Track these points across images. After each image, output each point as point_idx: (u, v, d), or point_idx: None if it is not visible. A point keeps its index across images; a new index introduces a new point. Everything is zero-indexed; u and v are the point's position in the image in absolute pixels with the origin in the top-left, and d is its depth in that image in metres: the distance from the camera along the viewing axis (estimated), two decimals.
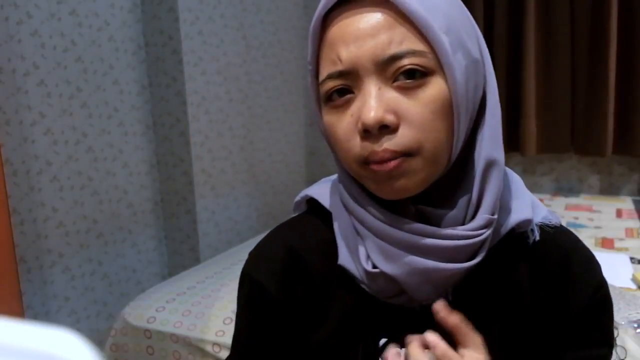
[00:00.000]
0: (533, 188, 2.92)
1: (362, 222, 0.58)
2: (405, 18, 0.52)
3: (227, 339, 1.48)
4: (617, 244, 1.94)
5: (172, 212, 2.40)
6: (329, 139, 0.57)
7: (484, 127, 0.57)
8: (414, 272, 0.55)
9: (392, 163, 0.52)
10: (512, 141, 2.78)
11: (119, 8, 2.15)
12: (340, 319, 0.62)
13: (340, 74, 0.53)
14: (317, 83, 0.57)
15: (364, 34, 0.52)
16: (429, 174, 0.54)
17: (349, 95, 0.54)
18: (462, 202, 0.56)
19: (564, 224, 2.39)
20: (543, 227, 0.62)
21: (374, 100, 0.51)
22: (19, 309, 1.58)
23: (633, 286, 1.55)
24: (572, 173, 2.84)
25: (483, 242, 0.55)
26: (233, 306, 1.57)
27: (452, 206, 0.56)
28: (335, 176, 0.67)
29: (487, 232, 0.55)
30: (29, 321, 0.29)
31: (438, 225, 0.56)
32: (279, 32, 2.86)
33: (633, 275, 1.61)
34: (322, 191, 0.66)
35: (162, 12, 2.22)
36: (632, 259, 1.76)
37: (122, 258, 2.23)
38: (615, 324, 1.31)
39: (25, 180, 1.84)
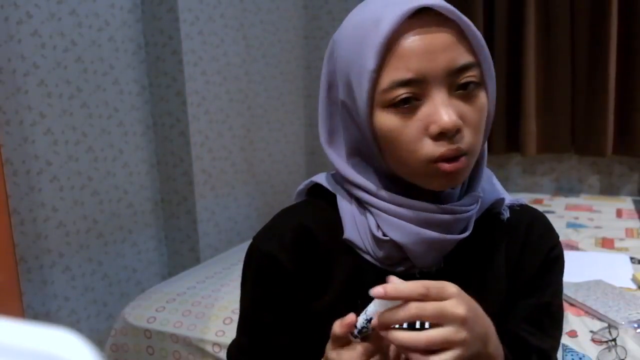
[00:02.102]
0: (533, 188, 2.92)
1: (373, 205, 0.66)
2: (463, 36, 0.61)
3: (227, 339, 1.48)
4: (617, 244, 1.94)
5: (172, 212, 2.40)
6: (388, 140, 0.63)
7: None
8: (421, 241, 0.64)
9: (460, 162, 0.61)
10: (512, 141, 2.78)
11: (119, 8, 2.15)
12: (342, 287, 0.69)
13: (408, 82, 0.59)
14: (374, 90, 0.61)
15: (437, 48, 0.59)
16: (470, 169, 0.64)
17: (415, 102, 0.60)
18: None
19: (563, 224, 2.38)
20: (512, 207, 0.74)
21: (448, 107, 0.59)
22: (19, 309, 1.58)
23: (633, 286, 1.55)
24: (572, 173, 2.84)
25: (471, 216, 0.67)
26: (233, 306, 1.58)
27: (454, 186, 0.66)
28: (333, 172, 0.75)
29: (476, 207, 0.67)
30: (29, 321, 0.29)
31: (440, 200, 0.66)
32: (279, 32, 2.86)
33: (633, 275, 1.61)
34: (325, 178, 0.74)
35: (162, 12, 2.22)
36: (632, 259, 1.76)
37: (122, 258, 2.23)
38: (615, 324, 1.31)
39: (25, 180, 1.84)
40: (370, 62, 0.60)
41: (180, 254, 2.42)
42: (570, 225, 2.20)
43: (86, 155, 2.05)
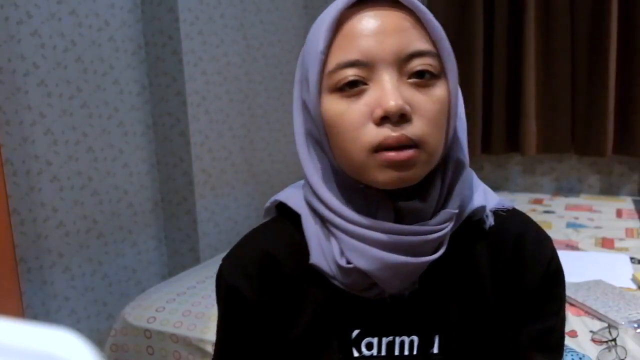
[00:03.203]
0: (533, 188, 2.92)
1: (336, 227, 0.61)
2: (420, 24, 0.57)
3: None
4: (617, 244, 1.94)
5: (172, 212, 2.40)
6: (333, 127, 0.58)
7: (455, 134, 0.63)
8: (386, 267, 0.58)
9: (407, 152, 0.55)
10: (512, 141, 2.78)
11: (119, 8, 2.15)
12: (313, 315, 0.65)
13: (355, 63, 0.56)
14: (323, 73, 0.58)
15: (388, 30, 0.56)
16: (428, 168, 0.58)
17: (362, 86, 0.56)
18: (433, 198, 0.61)
19: (563, 224, 2.36)
20: (497, 213, 0.67)
21: (394, 90, 0.55)
22: (19, 309, 1.58)
23: (633, 286, 1.55)
24: (572, 173, 2.84)
25: (444, 236, 0.60)
26: None
27: (424, 201, 0.60)
28: (302, 182, 0.70)
29: (450, 226, 0.60)
30: (29, 321, 0.29)
31: (410, 218, 0.60)
32: (279, 32, 2.86)
33: (633, 275, 1.61)
34: (291, 195, 0.69)
35: (162, 12, 2.22)
36: (632, 259, 1.76)
37: (122, 258, 2.23)
38: (615, 324, 1.31)
39: (25, 180, 1.84)
40: (320, 43, 0.57)
41: (180, 254, 2.41)
42: (570, 225, 2.20)
43: (86, 155, 2.05)
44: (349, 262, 0.60)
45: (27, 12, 1.81)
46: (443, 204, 0.61)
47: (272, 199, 0.71)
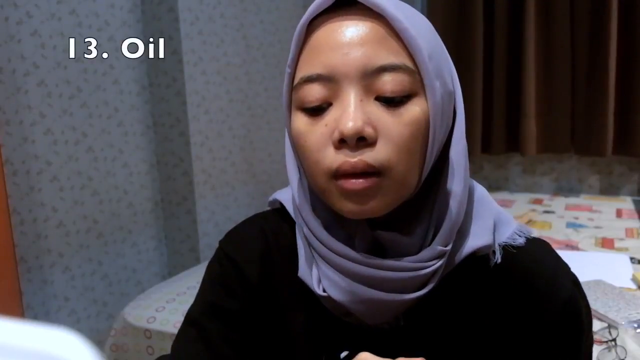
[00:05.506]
0: (533, 188, 2.92)
1: (315, 249, 0.58)
2: (395, 35, 0.51)
3: None
4: (617, 244, 1.94)
5: (172, 212, 2.40)
6: (298, 147, 0.54)
7: (447, 160, 0.56)
8: (360, 301, 0.54)
9: (363, 182, 0.50)
10: (512, 141, 2.78)
11: (119, 8, 2.14)
12: (301, 330, 0.62)
13: (318, 78, 0.51)
14: (292, 87, 0.55)
15: (353, 41, 0.51)
16: (398, 196, 0.53)
17: (325, 105, 0.52)
18: (420, 230, 0.55)
19: (563, 224, 2.34)
20: (507, 247, 0.59)
21: (355, 110, 0.49)
22: (19, 309, 1.58)
23: (633, 286, 1.55)
24: (572, 173, 2.84)
25: (434, 272, 0.54)
26: None
27: (410, 233, 0.55)
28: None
29: (439, 263, 0.54)
30: (29, 321, 0.29)
31: (393, 251, 0.55)
32: (279, 32, 2.86)
33: (633, 275, 1.61)
34: (289, 200, 0.65)
35: (162, 12, 2.22)
36: (632, 259, 1.76)
37: (122, 258, 2.23)
38: (615, 324, 1.31)
39: (25, 180, 1.84)
40: (290, 57, 0.54)
41: (180, 254, 2.41)
42: (570, 225, 2.20)
43: (86, 155, 2.05)
44: (324, 291, 0.56)
45: (27, 12, 1.81)
46: (433, 236, 0.55)
47: (274, 196, 0.68)
